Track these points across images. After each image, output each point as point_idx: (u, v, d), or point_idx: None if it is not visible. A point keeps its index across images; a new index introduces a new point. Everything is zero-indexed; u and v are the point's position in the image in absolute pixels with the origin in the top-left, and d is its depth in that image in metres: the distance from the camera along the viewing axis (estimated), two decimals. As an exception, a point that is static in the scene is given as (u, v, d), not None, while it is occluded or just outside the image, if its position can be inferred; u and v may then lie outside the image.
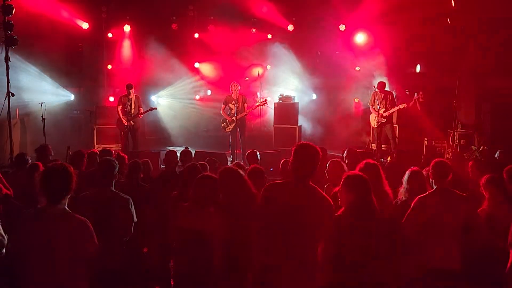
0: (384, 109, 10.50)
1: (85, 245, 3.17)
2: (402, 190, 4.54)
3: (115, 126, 10.98)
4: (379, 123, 10.59)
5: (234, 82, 10.59)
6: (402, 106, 10.45)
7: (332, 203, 3.40)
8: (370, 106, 10.88)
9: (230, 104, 10.45)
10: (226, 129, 10.61)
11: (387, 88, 10.93)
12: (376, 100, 10.55)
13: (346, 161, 5.76)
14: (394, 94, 11.36)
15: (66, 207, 3.20)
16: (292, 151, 3.44)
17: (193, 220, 3.86)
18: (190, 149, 7.44)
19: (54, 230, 3.10)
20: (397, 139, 10.96)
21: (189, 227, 3.84)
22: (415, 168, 4.59)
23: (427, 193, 4.20)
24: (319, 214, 3.31)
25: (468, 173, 5.90)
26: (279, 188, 3.45)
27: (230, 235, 3.85)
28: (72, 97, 12.76)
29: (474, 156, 9.41)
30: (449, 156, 9.92)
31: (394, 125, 11.16)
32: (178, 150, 6.98)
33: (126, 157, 6.23)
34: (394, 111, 10.61)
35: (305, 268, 3.31)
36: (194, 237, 3.81)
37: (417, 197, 4.20)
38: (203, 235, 3.79)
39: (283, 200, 3.36)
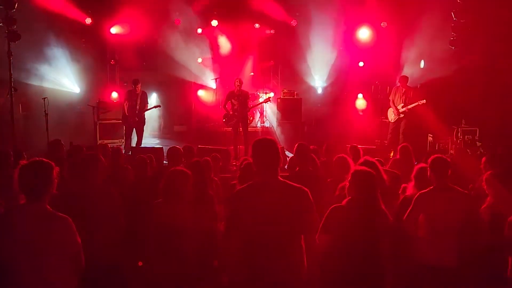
0: (402, 104, 10.39)
1: (67, 243, 3.04)
2: (411, 185, 4.54)
3: (118, 121, 10.92)
4: (396, 118, 10.49)
5: (237, 78, 10.55)
6: (421, 102, 10.16)
7: (307, 191, 3.21)
8: (390, 101, 10.76)
9: (232, 100, 10.41)
10: (228, 124, 10.56)
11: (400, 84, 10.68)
12: (397, 95, 10.46)
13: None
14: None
15: (47, 205, 3.06)
16: (250, 150, 3.30)
17: (165, 216, 3.83)
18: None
19: (34, 229, 2.97)
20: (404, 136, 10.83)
21: (162, 223, 3.81)
22: (422, 165, 4.57)
23: (427, 189, 4.18)
24: (295, 207, 3.15)
25: (471, 169, 5.87)
26: (247, 193, 3.23)
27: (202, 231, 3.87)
28: (78, 90, 12.77)
29: (478, 152, 9.33)
30: (452, 152, 9.85)
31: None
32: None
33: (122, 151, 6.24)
34: (412, 107, 10.36)
35: (292, 265, 3.17)
36: (168, 233, 3.77)
37: (418, 193, 4.19)
38: (177, 230, 3.76)
39: (255, 203, 3.15)
